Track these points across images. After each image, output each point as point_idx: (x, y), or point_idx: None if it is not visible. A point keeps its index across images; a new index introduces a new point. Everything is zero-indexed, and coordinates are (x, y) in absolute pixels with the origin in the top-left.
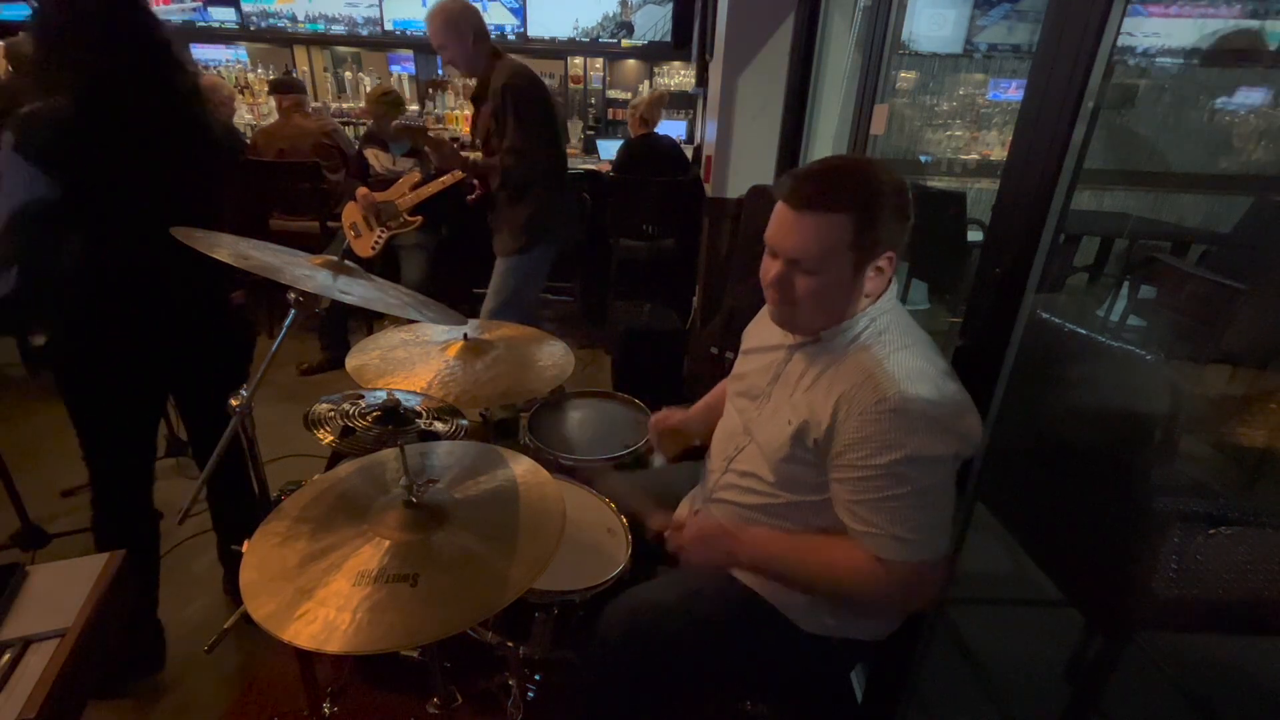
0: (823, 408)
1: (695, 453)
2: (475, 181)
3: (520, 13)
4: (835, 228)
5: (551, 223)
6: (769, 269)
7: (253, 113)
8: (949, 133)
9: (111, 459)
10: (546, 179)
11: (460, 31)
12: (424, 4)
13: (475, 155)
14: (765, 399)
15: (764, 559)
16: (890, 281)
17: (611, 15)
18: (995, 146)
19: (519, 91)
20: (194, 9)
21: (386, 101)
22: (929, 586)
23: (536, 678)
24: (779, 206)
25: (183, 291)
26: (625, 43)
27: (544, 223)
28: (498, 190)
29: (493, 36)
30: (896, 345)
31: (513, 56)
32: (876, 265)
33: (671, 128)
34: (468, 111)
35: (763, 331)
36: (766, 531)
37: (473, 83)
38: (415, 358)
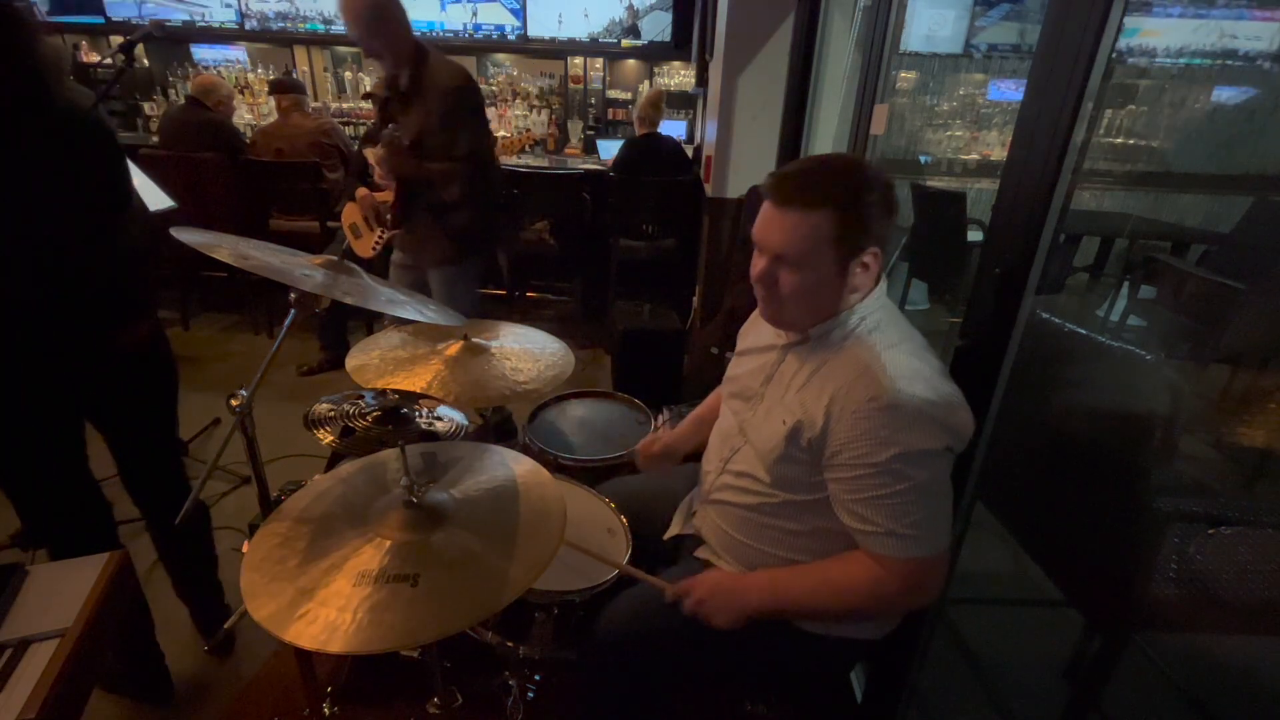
0: (816, 407)
1: (693, 455)
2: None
3: (520, 13)
4: (817, 223)
5: (489, 230)
6: (755, 265)
7: (253, 113)
8: (949, 133)
9: (22, 480)
10: (487, 187)
11: (388, 21)
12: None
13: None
14: (759, 400)
15: (771, 596)
16: (879, 278)
17: (618, 20)
18: (995, 146)
19: (471, 95)
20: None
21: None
22: (933, 582)
23: (536, 678)
24: (764, 204)
25: (50, 315)
26: (625, 43)
27: (479, 232)
28: (435, 198)
29: (493, 37)
30: (888, 343)
31: (441, 53)
32: (862, 261)
33: (671, 128)
34: None
35: (756, 333)
36: (766, 571)
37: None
38: (415, 358)
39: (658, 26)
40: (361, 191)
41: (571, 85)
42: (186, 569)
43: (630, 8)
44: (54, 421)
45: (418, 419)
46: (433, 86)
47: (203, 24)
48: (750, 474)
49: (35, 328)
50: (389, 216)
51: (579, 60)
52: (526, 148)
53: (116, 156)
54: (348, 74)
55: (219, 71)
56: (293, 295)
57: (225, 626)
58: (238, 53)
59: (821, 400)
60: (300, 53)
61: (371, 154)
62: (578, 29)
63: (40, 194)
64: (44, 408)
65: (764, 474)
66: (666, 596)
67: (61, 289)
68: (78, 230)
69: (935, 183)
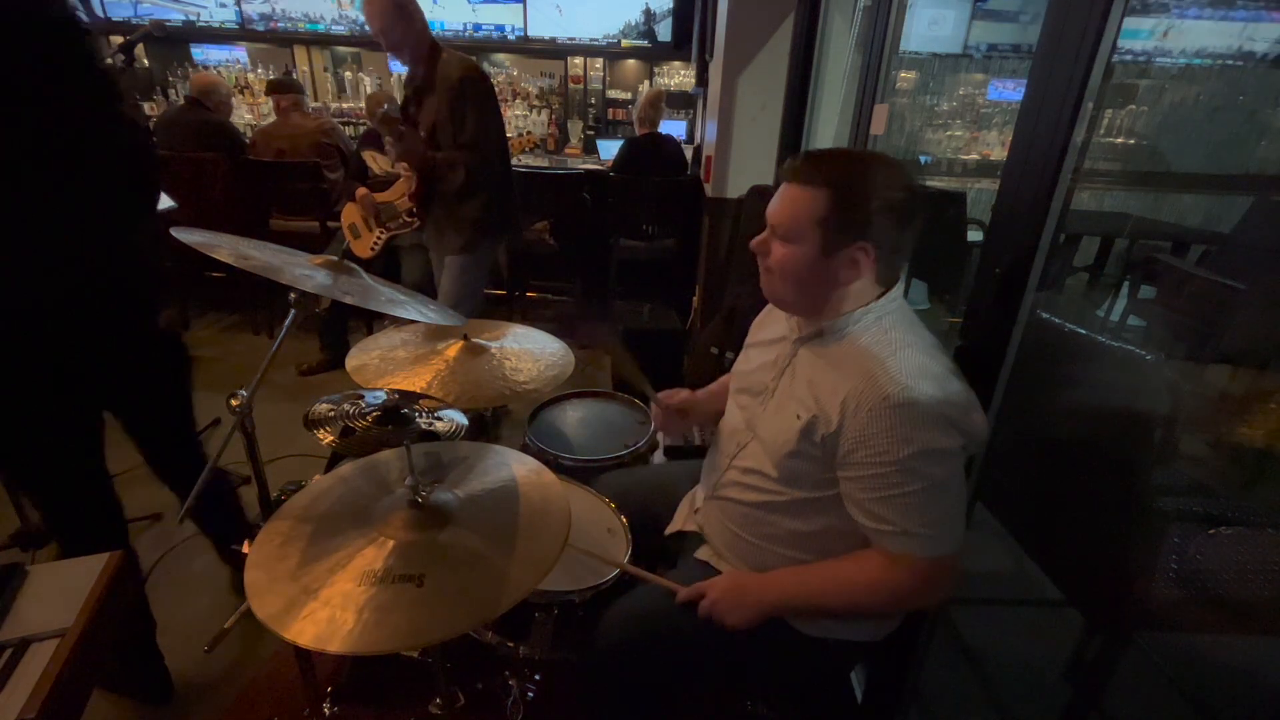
0: (830, 403)
1: (695, 451)
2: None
3: (521, 12)
4: (809, 201)
5: (500, 219)
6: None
7: (252, 113)
8: (949, 133)
9: (41, 476)
10: (497, 175)
11: (408, 13)
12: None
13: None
14: (769, 395)
15: (786, 595)
16: (881, 279)
17: (634, 23)
18: (995, 146)
19: (478, 85)
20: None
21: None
22: (946, 582)
23: (536, 678)
24: None
25: (71, 304)
26: (625, 43)
27: (493, 219)
28: (448, 187)
29: (493, 37)
30: (902, 342)
31: (453, 49)
32: (851, 255)
33: (671, 128)
34: None
35: (768, 325)
36: (779, 570)
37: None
38: (415, 358)
39: (670, 31)
40: (361, 191)
41: (571, 85)
42: (224, 540)
43: (647, 10)
44: (75, 417)
45: (418, 419)
46: (443, 79)
47: (202, 24)
48: (758, 470)
49: (59, 327)
50: (410, 208)
51: (579, 60)
52: (527, 149)
53: (155, 167)
54: (348, 74)
55: (219, 71)
56: (293, 295)
57: (226, 626)
58: (238, 53)
59: (836, 397)
60: (300, 53)
61: (369, 157)
62: (588, 30)
63: (92, 201)
64: (66, 404)
65: (772, 469)
66: (679, 599)
67: (89, 291)
68: (114, 235)
69: (935, 183)
